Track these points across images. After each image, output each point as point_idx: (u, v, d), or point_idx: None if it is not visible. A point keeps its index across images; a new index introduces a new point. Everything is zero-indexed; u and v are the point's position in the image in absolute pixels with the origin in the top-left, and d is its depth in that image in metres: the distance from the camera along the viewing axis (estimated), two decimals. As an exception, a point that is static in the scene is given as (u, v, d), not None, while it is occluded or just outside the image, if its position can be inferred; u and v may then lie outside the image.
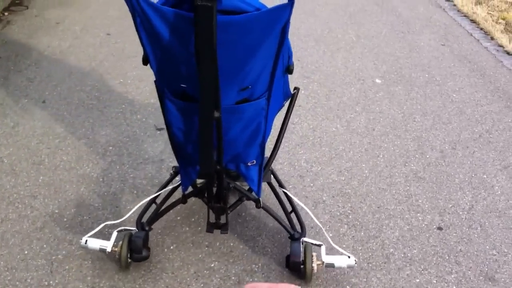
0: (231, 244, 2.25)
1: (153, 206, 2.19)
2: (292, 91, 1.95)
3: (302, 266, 2.00)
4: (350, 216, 2.42)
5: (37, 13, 4.68)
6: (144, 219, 2.14)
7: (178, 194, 2.16)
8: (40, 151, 2.76)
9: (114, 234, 2.07)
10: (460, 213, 2.48)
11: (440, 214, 2.46)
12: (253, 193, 2.03)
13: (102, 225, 2.15)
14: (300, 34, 4.54)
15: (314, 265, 1.98)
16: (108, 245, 2.01)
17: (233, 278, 2.09)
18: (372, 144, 2.99)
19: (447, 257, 2.22)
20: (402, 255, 2.22)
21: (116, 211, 2.37)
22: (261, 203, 2.04)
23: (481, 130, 3.20)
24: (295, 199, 2.29)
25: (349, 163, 2.81)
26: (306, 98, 3.46)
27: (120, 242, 2.02)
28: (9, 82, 3.45)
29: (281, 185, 2.31)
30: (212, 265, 2.14)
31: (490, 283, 2.11)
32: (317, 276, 2.07)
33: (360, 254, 2.21)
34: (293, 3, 1.40)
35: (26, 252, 2.14)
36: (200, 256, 2.17)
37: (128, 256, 2.04)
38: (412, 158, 2.88)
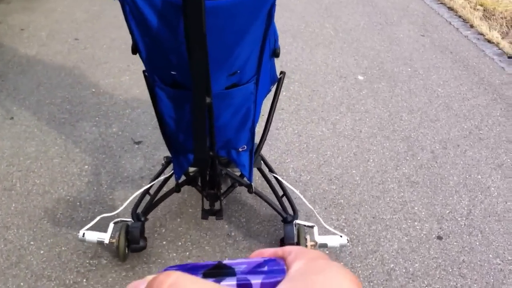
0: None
1: (148, 198, 2.20)
2: (278, 75, 1.97)
3: None
4: (346, 230, 2.30)
5: (0, 19, 4.43)
6: (139, 211, 2.15)
7: (171, 184, 2.17)
8: (10, 175, 2.57)
9: (111, 225, 2.07)
10: (459, 219, 2.38)
11: (438, 221, 2.36)
12: (245, 179, 2.05)
13: (98, 217, 2.13)
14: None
15: (308, 245, 2.01)
16: (105, 237, 2.02)
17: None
18: (360, 147, 2.88)
19: (450, 270, 2.12)
20: (404, 270, 2.11)
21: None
22: (253, 188, 2.06)
23: (470, 126, 3.10)
24: (285, 183, 2.30)
25: (339, 169, 2.69)
26: (288, 100, 3.33)
27: (117, 234, 2.04)
28: (-28, 97, 3.24)
29: (271, 170, 2.35)
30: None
31: (496, 296, 2.02)
32: None
33: (360, 272, 2.10)
34: None
35: (1, 292, 1.97)
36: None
37: (126, 246, 2.06)
38: (403, 160, 2.77)
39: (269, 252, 0.49)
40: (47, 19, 4.46)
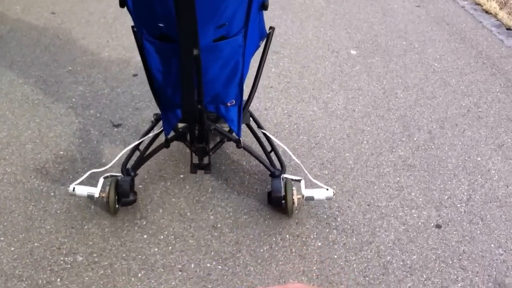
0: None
1: (137, 154, 2.21)
2: (267, 30, 1.92)
3: (283, 201, 2.08)
4: (339, 219, 2.16)
5: (-29, -8, 4.18)
6: (129, 166, 2.16)
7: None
8: (-21, 163, 2.40)
9: (101, 180, 2.08)
10: (458, 205, 2.25)
11: (436, 208, 2.22)
12: (234, 134, 2.06)
13: (88, 173, 2.16)
14: (264, 1, 4.17)
15: (295, 198, 2.05)
16: (95, 191, 2.03)
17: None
18: (354, 128, 2.72)
19: (450, 262, 1.99)
20: (401, 263, 1.97)
21: (72, 233, 2.05)
22: (242, 143, 2.07)
23: (468, 104, 2.95)
24: (274, 139, 2.31)
25: (331, 153, 2.54)
26: (277, 77, 3.15)
27: (107, 187, 2.06)
28: None
29: (259, 126, 2.35)
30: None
31: (500, 290, 1.90)
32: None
33: (355, 265, 1.96)
34: None
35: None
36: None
37: (116, 200, 2.08)
38: (398, 142, 2.62)
39: None
40: (22, -8, 4.21)
